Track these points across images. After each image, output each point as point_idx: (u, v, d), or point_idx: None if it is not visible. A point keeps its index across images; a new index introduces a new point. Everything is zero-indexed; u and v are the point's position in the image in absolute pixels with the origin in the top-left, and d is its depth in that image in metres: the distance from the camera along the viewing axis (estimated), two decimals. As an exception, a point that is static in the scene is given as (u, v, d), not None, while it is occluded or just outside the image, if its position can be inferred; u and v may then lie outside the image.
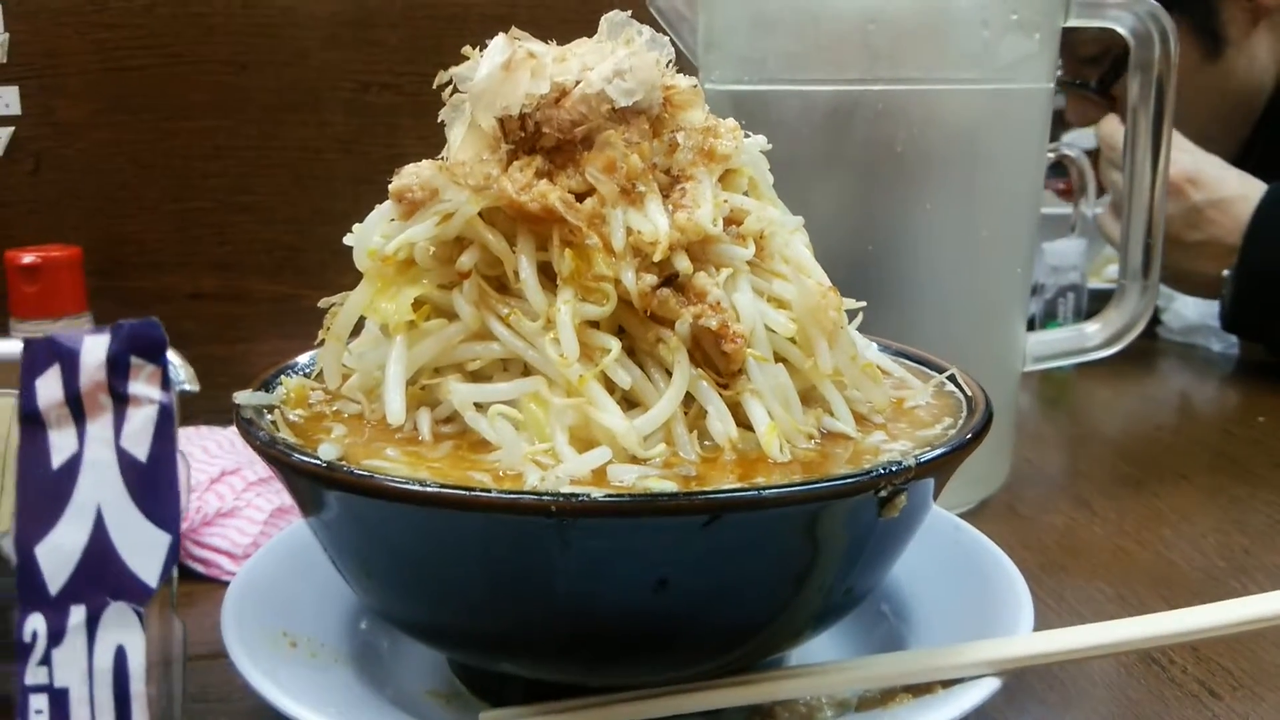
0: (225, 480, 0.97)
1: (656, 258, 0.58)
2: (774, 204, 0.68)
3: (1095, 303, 1.49)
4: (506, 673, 0.63)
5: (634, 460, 0.56)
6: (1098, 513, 1.06)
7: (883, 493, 0.54)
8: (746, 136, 0.67)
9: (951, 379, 0.70)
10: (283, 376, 0.69)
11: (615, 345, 0.58)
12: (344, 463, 0.56)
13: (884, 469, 0.54)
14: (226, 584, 0.87)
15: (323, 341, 0.66)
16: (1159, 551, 0.97)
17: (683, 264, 0.59)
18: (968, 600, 0.69)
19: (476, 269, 0.61)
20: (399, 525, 0.56)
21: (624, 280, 0.59)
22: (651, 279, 0.59)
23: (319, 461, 0.55)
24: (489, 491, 0.52)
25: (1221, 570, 0.93)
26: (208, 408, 0.81)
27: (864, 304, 0.67)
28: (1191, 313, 1.65)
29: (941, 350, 0.75)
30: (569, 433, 0.57)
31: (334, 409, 0.66)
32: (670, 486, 0.53)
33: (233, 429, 1.13)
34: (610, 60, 0.62)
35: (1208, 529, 1.01)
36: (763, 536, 0.54)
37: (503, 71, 0.60)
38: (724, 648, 0.59)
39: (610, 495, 0.51)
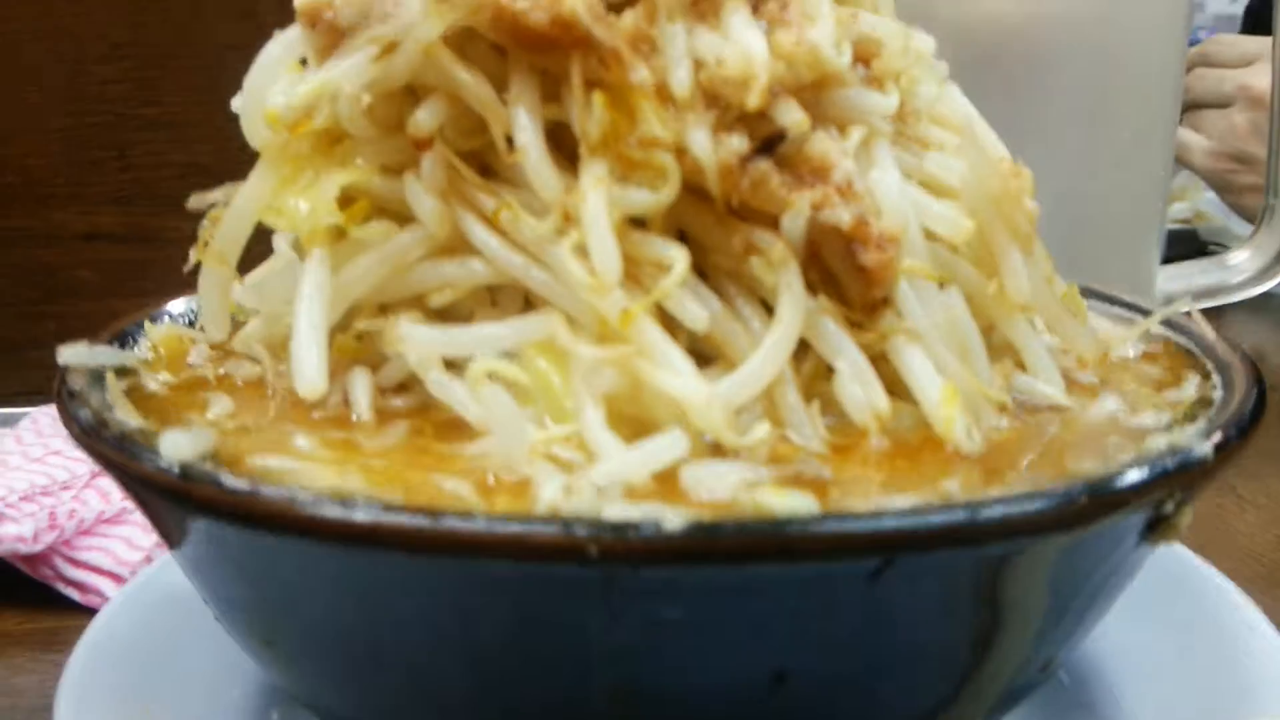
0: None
1: (750, 104, 0.34)
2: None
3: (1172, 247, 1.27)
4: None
5: (719, 452, 0.32)
6: (1245, 497, 0.83)
7: (1168, 505, 0.31)
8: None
9: (1170, 325, 0.45)
10: (146, 324, 0.45)
11: (680, 258, 0.34)
12: (210, 466, 0.31)
13: (1172, 463, 0.30)
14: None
15: (198, 267, 0.42)
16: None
17: (791, 115, 0.35)
18: (1187, 660, 0.46)
19: (442, 135, 0.37)
20: (311, 574, 0.31)
21: (692, 146, 0.34)
22: (740, 143, 0.35)
23: (166, 466, 0.31)
24: (470, 518, 0.28)
25: None
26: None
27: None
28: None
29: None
30: (605, 405, 0.33)
31: (221, 371, 0.42)
32: (805, 504, 0.28)
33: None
34: None
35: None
36: (962, 586, 0.30)
37: None
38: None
39: (693, 524, 0.27)
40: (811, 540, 0.27)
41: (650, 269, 0.35)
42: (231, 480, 0.30)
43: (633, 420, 0.33)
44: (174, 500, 0.31)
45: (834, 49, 0.36)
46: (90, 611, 0.65)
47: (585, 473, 0.31)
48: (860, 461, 0.33)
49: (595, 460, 0.31)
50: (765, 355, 0.34)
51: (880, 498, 0.30)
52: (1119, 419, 0.37)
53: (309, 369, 0.36)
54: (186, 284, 0.69)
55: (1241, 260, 0.83)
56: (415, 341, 0.35)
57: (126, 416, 0.36)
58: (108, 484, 0.72)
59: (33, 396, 0.91)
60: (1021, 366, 0.38)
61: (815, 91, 0.36)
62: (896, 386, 0.35)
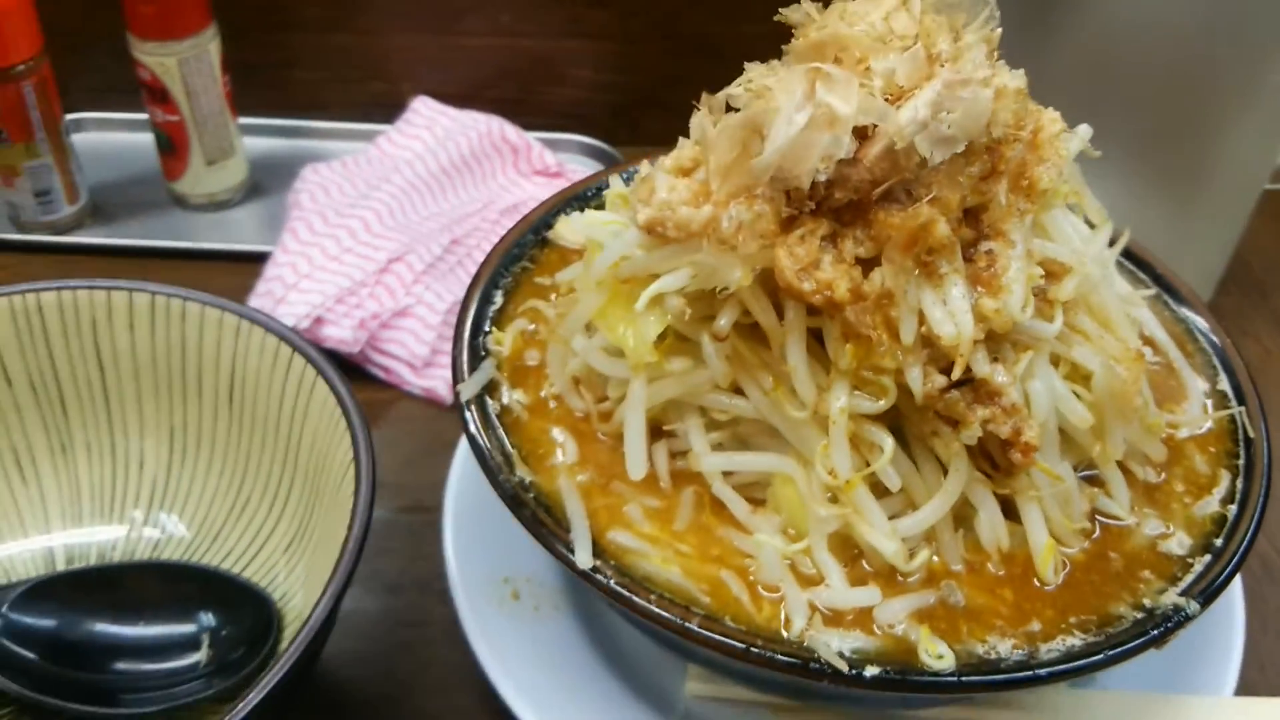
0: (392, 270, 0.93)
1: (956, 373, 0.50)
2: (1086, 206, 0.57)
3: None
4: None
5: (895, 574, 0.53)
6: None
7: (1160, 645, 0.52)
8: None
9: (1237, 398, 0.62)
10: (486, 334, 0.63)
11: (889, 445, 0.52)
12: (601, 572, 0.53)
13: (1164, 621, 0.51)
14: (408, 394, 0.89)
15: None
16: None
17: (981, 369, 0.51)
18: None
19: (734, 324, 0.53)
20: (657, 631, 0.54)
21: (909, 380, 0.51)
22: (942, 381, 0.51)
23: (575, 563, 0.53)
24: (752, 648, 0.50)
25: None
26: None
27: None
28: None
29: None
30: (828, 538, 0.53)
31: (553, 392, 0.62)
32: (944, 662, 0.50)
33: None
34: (928, 91, 0.48)
35: None
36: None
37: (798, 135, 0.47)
38: None
39: (877, 676, 0.49)
40: (941, 685, 0.49)
41: (866, 446, 0.53)
42: (617, 585, 0.52)
43: (843, 541, 0.54)
44: (581, 578, 0.53)
45: (1022, 309, 0.51)
46: (393, 388, 0.90)
47: (817, 595, 0.52)
48: (986, 591, 0.53)
49: (823, 577, 0.53)
50: (935, 507, 0.53)
51: (991, 640, 0.51)
52: (1156, 541, 0.56)
53: (636, 461, 0.56)
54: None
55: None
56: (706, 460, 0.55)
57: (507, 441, 0.57)
58: (392, 280, 0.93)
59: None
60: (1108, 492, 0.57)
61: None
62: (1012, 512, 0.55)
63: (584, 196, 0.75)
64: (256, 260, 0.97)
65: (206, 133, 1.03)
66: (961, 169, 0.50)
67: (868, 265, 0.51)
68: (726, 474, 0.56)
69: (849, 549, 0.54)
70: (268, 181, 1.12)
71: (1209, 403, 0.63)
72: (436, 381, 0.89)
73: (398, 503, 0.81)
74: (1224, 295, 1.01)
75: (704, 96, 0.53)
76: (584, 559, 0.52)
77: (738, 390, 0.55)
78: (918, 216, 0.49)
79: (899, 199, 0.50)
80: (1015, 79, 0.51)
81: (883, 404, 0.52)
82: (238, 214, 1.09)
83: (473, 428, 0.59)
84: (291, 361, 0.65)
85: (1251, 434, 0.60)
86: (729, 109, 0.53)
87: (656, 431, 0.58)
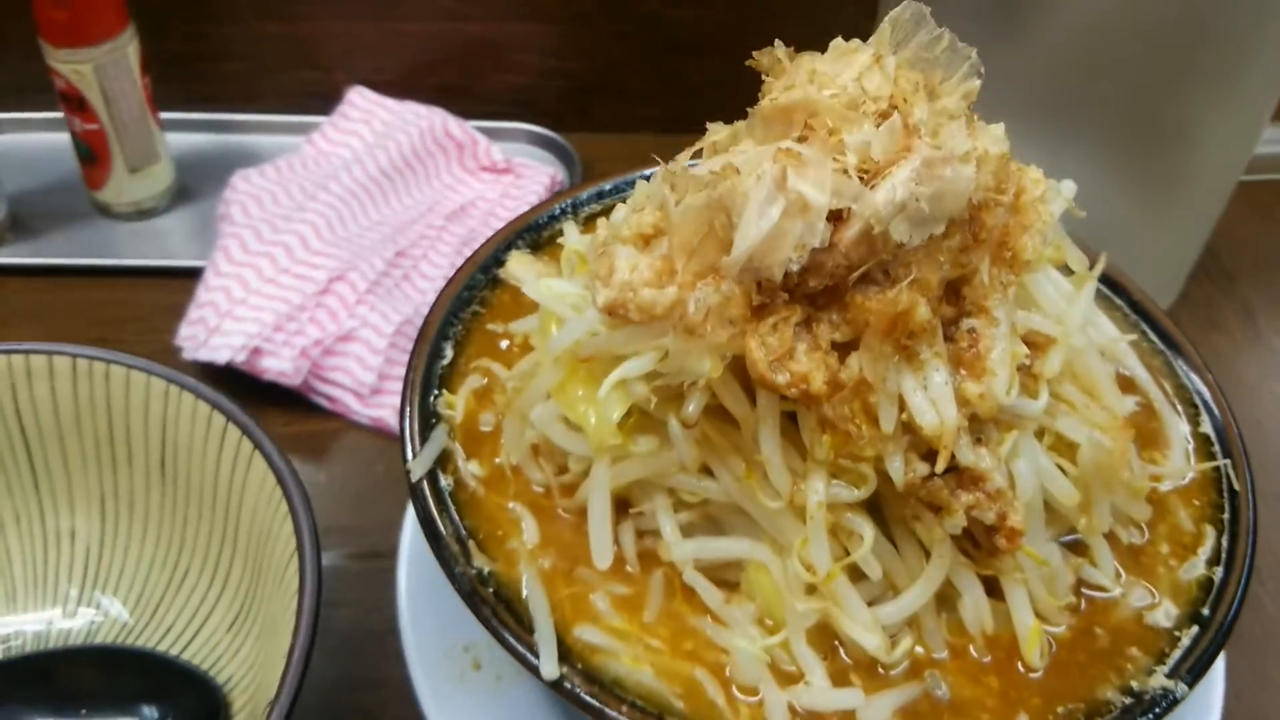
0: (333, 291, 0.88)
1: (940, 466, 0.47)
2: (1067, 255, 0.54)
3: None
4: None
5: (877, 664, 0.51)
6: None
7: (1149, 727, 0.50)
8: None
9: (1221, 444, 0.60)
10: (436, 396, 0.59)
11: (869, 534, 0.49)
12: (568, 679, 0.50)
13: (1153, 707, 0.49)
14: (356, 424, 0.85)
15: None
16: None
17: (965, 457, 0.48)
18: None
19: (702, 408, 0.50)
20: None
21: (890, 469, 0.48)
22: (924, 469, 0.48)
23: (541, 673, 0.50)
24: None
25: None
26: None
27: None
28: None
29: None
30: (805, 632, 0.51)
31: (510, 462, 0.58)
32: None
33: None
34: (905, 169, 0.44)
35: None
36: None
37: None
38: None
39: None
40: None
41: (845, 534, 0.50)
42: (585, 695, 0.49)
43: (821, 633, 0.51)
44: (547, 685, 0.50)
45: (1006, 392, 0.48)
46: (339, 417, 0.86)
47: (797, 696, 0.49)
48: (972, 679, 0.51)
49: (803, 673, 0.50)
50: (918, 592, 0.51)
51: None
52: (1142, 613, 0.54)
53: (602, 550, 0.53)
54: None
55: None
56: (676, 549, 0.52)
57: (481, 563, 0.53)
58: (334, 302, 0.88)
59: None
60: (1093, 562, 0.54)
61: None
62: (996, 590, 0.52)
63: (536, 227, 0.70)
64: (189, 276, 0.92)
65: (128, 140, 0.97)
66: (941, 246, 0.46)
67: (844, 349, 0.48)
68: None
69: (828, 637, 0.51)
70: (196, 185, 1.05)
71: (1191, 447, 0.61)
72: (385, 410, 0.85)
73: (350, 549, 0.77)
74: (1193, 284, 0.99)
75: (662, 171, 0.48)
76: (549, 669, 0.49)
77: (708, 469, 0.52)
78: (897, 302, 0.46)
79: (876, 280, 0.47)
80: (997, 143, 0.48)
81: (862, 493, 0.49)
82: (166, 222, 1.03)
83: (426, 512, 0.55)
84: (226, 432, 0.61)
85: (1237, 486, 0.58)
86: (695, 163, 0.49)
87: (622, 505, 0.55)
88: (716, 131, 0.49)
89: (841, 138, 0.45)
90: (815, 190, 0.43)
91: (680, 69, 1.13)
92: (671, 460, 0.52)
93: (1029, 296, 0.52)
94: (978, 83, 0.49)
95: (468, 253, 0.97)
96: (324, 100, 1.09)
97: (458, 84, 1.14)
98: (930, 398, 0.47)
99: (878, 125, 0.45)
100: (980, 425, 0.50)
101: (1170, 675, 0.51)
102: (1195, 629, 0.53)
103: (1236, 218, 1.00)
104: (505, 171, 1.06)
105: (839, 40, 0.49)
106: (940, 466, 0.47)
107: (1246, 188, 0.96)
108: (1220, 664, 0.63)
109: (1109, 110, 0.82)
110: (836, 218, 0.45)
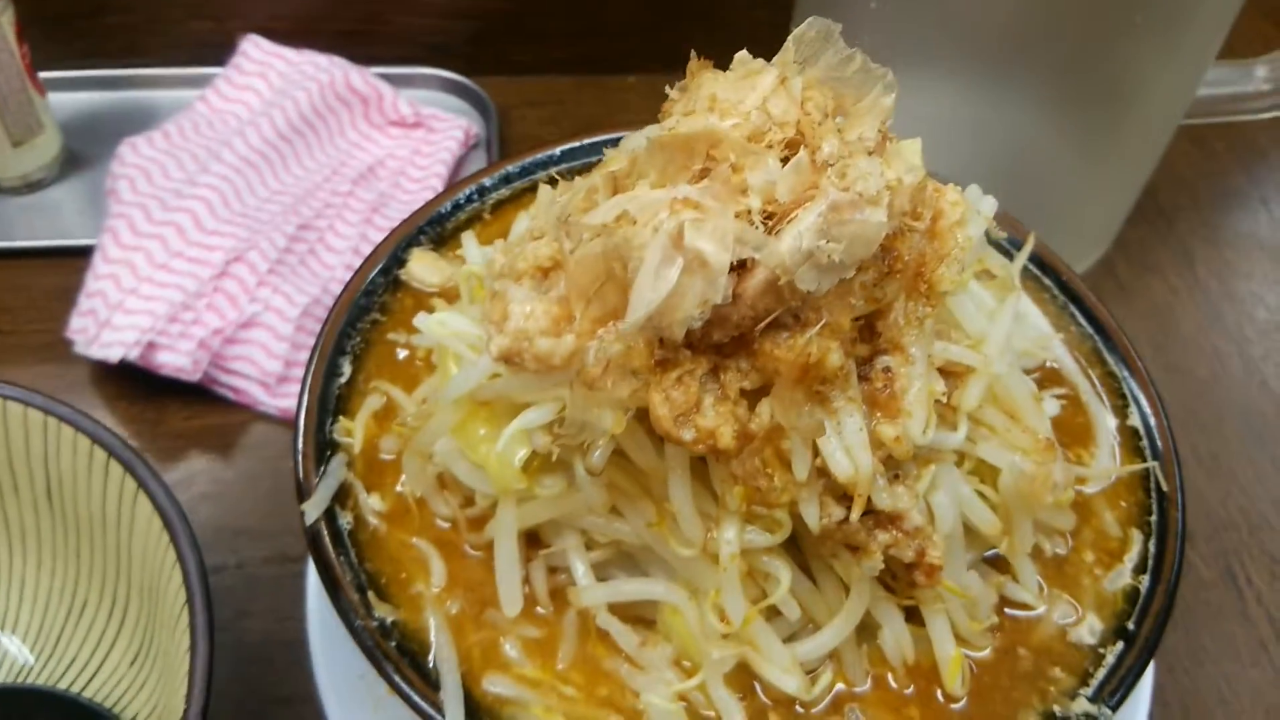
0: (231, 274, 0.83)
1: (855, 514, 0.45)
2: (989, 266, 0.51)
3: None
4: None
5: (796, 705, 0.50)
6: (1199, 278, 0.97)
7: (1073, 754, 0.50)
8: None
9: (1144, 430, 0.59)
10: (332, 423, 0.56)
11: (785, 578, 0.48)
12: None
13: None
14: (264, 414, 0.81)
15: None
16: None
17: (882, 501, 0.46)
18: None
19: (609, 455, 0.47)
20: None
21: (805, 515, 0.46)
22: (840, 513, 0.46)
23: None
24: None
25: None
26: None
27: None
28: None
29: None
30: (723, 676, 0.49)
31: (416, 496, 0.55)
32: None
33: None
34: (812, 214, 0.41)
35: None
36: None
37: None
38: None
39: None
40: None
41: (761, 576, 0.48)
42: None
43: (744, 667, 0.50)
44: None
45: (923, 432, 0.46)
46: (245, 409, 0.82)
47: (715, 736, 0.48)
48: (890, 708, 0.50)
49: (721, 717, 0.49)
50: (837, 629, 0.49)
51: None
52: (1066, 629, 0.53)
53: (511, 596, 0.51)
54: None
55: (1263, 74, 0.86)
56: (588, 594, 0.50)
57: (383, 614, 0.51)
58: (233, 286, 0.83)
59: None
60: (1015, 578, 0.53)
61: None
62: (916, 618, 0.51)
63: (439, 219, 0.66)
64: (80, 255, 0.86)
65: (9, 113, 0.90)
66: (853, 286, 0.43)
67: (755, 395, 0.45)
68: (611, 599, 0.51)
69: (748, 676, 0.50)
70: (86, 149, 0.99)
71: (1118, 443, 0.60)
72: (293, 400, 0.80)
73: (260, 552, 0.75)
74: (1129, 226, 0.97)
75: (558, 223, 0.44)
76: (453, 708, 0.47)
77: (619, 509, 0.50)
78: (808, 351, 0.43)
79: (786, 324, 0.44)
80: (912, 171, 0.44)
81: (777, 538, 0.47)
82: (55, 193, 0.96)
83: (324, 558, 0.52)
84: (109, 467, 0.57)
85: (1165, 488, 0.57)
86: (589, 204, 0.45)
87: (534, 538, 0.52)
88: (614, 160, 0.46)
89: (744, 176, 0.42)
90: (715, 246, 0.40)
91: (599, 7, 1.06)
92: (580, 501, 0.49)
93: (949, 316, 0.49)
94: (891, 101, 0.45)
95: (378, 220, 0.94)
96: (218, 50, 1.02)
97: (359, 29, 1.07)
98: (844, 445, 0.45)
99: (784, 160, 0.42)
100: (897, 463, 0.48)
101: (1093, 699, 0.50)
102: (1120, 645, 0.52)
103: (1176, 153, 0.97)
104: (415, 126, 1.00)
105: (743, 55, 0.45)
106: (855, 515, 0.45)
107: (1183, 129, 0.93)
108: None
109: (1050, 59, 0.78)
110: (740, 266, 0.42)
